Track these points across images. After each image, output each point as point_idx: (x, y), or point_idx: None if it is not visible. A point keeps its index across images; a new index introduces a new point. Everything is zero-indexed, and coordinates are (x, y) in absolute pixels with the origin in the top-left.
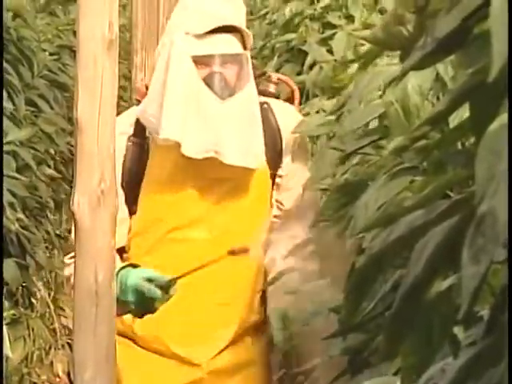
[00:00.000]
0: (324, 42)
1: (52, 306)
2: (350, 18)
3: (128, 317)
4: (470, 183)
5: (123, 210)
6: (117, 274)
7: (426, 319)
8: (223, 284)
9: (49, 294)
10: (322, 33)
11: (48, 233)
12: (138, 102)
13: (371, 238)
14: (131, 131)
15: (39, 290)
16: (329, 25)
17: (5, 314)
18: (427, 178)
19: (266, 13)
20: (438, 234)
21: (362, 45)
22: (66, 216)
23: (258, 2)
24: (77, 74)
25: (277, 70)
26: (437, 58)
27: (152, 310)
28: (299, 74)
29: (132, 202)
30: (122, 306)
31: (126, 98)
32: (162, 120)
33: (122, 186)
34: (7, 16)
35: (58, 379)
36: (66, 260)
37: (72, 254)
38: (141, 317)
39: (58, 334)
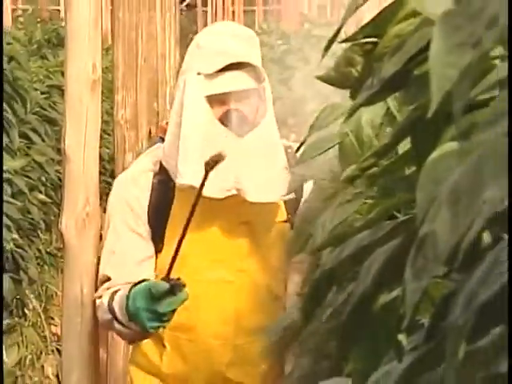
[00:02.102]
0: (284, 82)
1: (43, 316)
2: (306, 61)
3: (155, 355)
4: (413, 206)
5: (149, 247)
6: (128, 296)
7: (374, 327)
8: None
9: (40, 305)
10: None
11: (39, 251)
12: (162, 139)
13: (326, 254)
14: (156, 169)
15: (31, 302)
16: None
17: None
18: (375, 202)
19: None
20: (384, 252)
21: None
22: (55, 236)
23: None
24: (65, 111)
25: None
26: (383, 96)
27: (164, 317)
28: None
29: (158, 240)
30: (136, 324)
31: (109, 131)
32: (178, 165)
33: (149, 223)
34: (3, 59)
35: (48, 381)
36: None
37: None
38: (157, 329)
39: (49, 340)
